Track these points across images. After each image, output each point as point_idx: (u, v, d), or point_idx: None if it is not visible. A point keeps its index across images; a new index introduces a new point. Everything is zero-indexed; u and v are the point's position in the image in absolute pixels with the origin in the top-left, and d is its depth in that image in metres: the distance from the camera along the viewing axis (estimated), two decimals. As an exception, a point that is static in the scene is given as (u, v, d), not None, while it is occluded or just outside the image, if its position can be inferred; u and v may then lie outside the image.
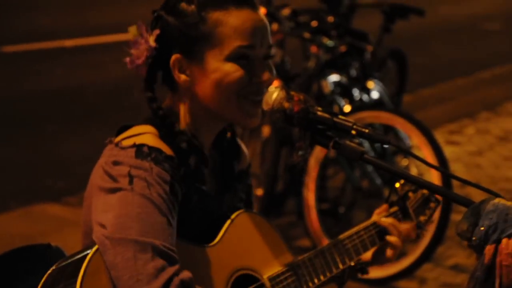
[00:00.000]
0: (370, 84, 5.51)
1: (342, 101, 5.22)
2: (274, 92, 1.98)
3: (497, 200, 1.81)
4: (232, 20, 1.98)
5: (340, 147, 1.94)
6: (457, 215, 5.34)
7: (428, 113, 7.73)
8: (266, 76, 2.01)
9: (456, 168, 6.57)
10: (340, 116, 1.95)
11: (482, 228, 1.80)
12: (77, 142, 6.97)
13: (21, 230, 5.03)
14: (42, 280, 1.89)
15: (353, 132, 1.93)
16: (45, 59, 9.85)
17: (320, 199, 4.99)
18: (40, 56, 10.00)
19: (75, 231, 5.03)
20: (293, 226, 5.20)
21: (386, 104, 5.52)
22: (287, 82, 5.07)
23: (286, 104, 1.96)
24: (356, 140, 1.98)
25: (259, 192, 5.07)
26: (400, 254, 4.74)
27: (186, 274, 1.79)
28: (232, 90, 1.99)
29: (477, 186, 1.97)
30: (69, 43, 10.67)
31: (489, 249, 1.79)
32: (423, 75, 9.56)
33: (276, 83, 2.08)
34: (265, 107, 1.99)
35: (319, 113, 1.96)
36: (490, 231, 1.79)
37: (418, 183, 1.99)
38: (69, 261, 1.89)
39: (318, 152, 4.89)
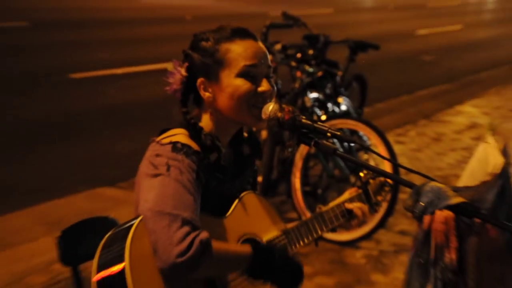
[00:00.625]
0: (340, 99, 5.51)
1: (319, 112, 5.22)
2: (270, 105, 1.99)
3: (432, 183, 1.82)
4: (238, 47, 1.99)
5: (319, 145, 1.94)
6: (403, 195, 5.39)
7: (381, 121, 7.73)
8: (267, 87, 2.01)
9: (402, 161, 6.59)
10: (319, 123, 1.96)
11: (422, 204, 1.80)
12: (126, 142, 6.97)
13: (87, 207, 5.03)
14: (102, 242, 1.89)
15: (328, 134, 1.93)
16: (102, 83, 9.81)
17: (303, 183, 4.99)
18: (98, 80, 9.97)
19: (125, 207, 5.11)
20: (284, 204, 5.20)
21: (351, 114, 5.52)
22: (279, 98, 5.10)
23: (279, 114, 1.97)
24: (330, 140, 1.99)
25: (259, 179, 5.07)
26: (361, 224, 4.81)
27: (204, 235, 1.79)
28: (242, 99, 1.99)
29: (418, 173, 1.98)
30: (119, 71, 10.63)
31: (427, 218, 1.80)
32: (377, 94, 9.52)
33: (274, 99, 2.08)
34: (263, 116, 1.99)
35: (303, 120, 1.96)
36: (427, 206, 1.80)
37: (376, 171, 2.00)
38: (121, 228, 1.89)
39: (302, 150, 4.90)
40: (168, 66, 2.06)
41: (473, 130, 8.20)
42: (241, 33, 2.02)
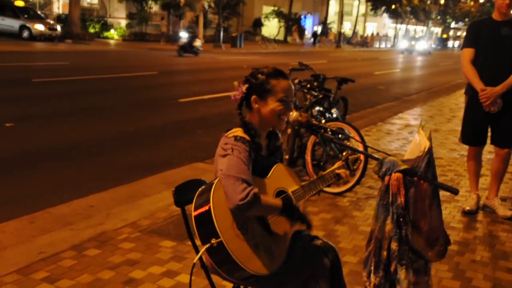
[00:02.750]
0: (333, 111, 5.43)
1: (321, 118, 5.15)
2: (294, 113, 1.99)
3: (389, 157, 1.77)
4: (281, 84, 1.95)
5: (323, 136, 1.92)
6: (370, 165, 5.29)
7: (356, 123, 7.59)
8: (292, 108, 1.99)
9: (369, 145, 6.45)
10: (322, 123, 1.92)
11: (383, 169, 1.76)
12: (210, 137, 6.98)
13: (189, 174, 5.03)
14: (197, 193, 1.89)
15: (328, 130, 1.90)
16: (196, 104, 9.80)
17: (312, 160, 4.94)
18: (194, 103, 9.96)
19: (209, 174, 5.06)
20: (301, 171, 5.11)
21: (339, 119, 5.45)
22: (297, 110, 5.03)
23: (299, 118, 1.98)
24: (329, 133, 1.94)
25: (286, 157, 5.02)
26: (346, 182, 4.71)
27: (255, 190, 1.77)
28: (277, 113, 1.96)
29: (379, 151, 1.93)
30: (206, 97, 10.60)
31: (387, 178, 1.76)
32: (353, 107, 9.36)
33: (293, 110, 2.04)
34: (290, 119, 1.96)
35: (314, 122, 1.96)
36: (387, 170, 1.75)
37: (354, 150, 1.95)
38: (208, 185, 1.88)
39: (311, 140, 4.83)
40: (235, 84, 2.02)
41: (408, 128, 8.00)
42: (282, 74, 1.99)
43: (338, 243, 3.57)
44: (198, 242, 1.97)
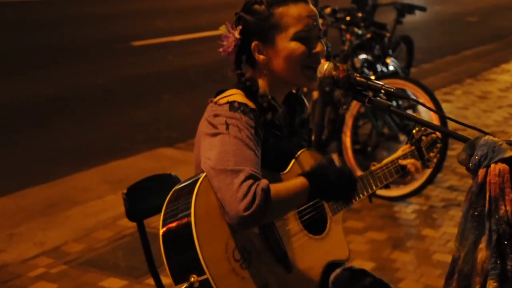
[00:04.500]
0: (388, 60, 5.43)
1: (368, 73, 5.15)
2: (325, 64, 1.93)
3: (486, 137, 1.75)
4: (292, 11, 1.95)
5: (373, 102, 1.88)
6: (451, 152, 5.29)
7: (427, 81, 7.58)
8: (320, 48, 1.97)
9: (450, 116, 6.46)
10: (373, 80, 1.90)
11: (476, 157, 1.74)
12: (184, 106, 7.00)
13: (149, 166, 5.07)
14: (168, 196, 1.88)
15: (382, 91, 1.87)
16: (160, 50, 9.86)
17: (353, 142, 4.96)
18: (157, 47, 10.03)
19: (183, 166, 5.13)
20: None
21: (399, 74, 5.44)
22: (329, 60, 5.03)
23: (334, 72, 1.91)
24: (384, 98, 1.93)
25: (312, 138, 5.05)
26: (412, 180, 4.75)
27: (264, 182, 1.76)
28: (297, 61, 1.95)
29: (472, 127, 1.91)
30: (177, 38, 10.67)
31: (481, 172, 1.73)
32: (424, 55, 9.39)
33: (323, 60, 2.03)
34: (318, 74, 1.94)
35: (357, 78, 1.90)
36: (482, 159, 1.73)
37: (430, 126, 1.93)
38: (186, 183, 1.88)
39: (352, 109, 4.85)
40: (221, 29, 2.01)
41: (519, 88, 8.00)
42: None
43: (397, 281, 3.59)
44: (167, 280, 1.96)
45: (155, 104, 7.13)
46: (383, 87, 1.86)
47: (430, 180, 4.66)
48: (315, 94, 5.07)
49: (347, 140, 4.86)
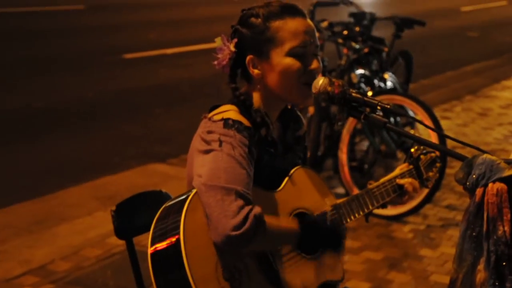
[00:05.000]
0: (386, 75, 5.44)
1: (366, 88, 5.17)
2: (320, 79, 1.94)
3: (484, 155, 1.76)
4: (289, 26, 1.95)
5: (369, 119, 1.89)
6: (450, 170, 5.30)
7: (427, 97, 7.60)
8: (316, 65, 1.98)
9: (448, 134, 6.49)
10: (369, 96, 1.91)
11: (474, 176, 1.75)
12: (176, 120, 7.00)
13: (139, 182, 5.07)
14: (157, 214, 1.89)
15: (378, 107, 1.88)
16: (152, 63, 9.88)
17: (350, 159, 4.97)
18: (149, 60, 10.05)
19: (176, 182, 5.13)
20: (331, 179, 5.16)
21: (398, 90, 5.46)
22: (325, 75, 5.05)
23: (329, 88, 1.92)
24: (379, 115, 1.94)
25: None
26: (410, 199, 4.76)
27: (257, 210, 1.77)
28: (292, 77, 1.95)
29: (469, 145, 1.92)
30: (169, 51, 10.69)
31: (479, 191, 1.74)
32: (423, 70, 9.42)
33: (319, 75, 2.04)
34: (313, 90, 1.95)
35: (353, 94, 1.91)
36: (479, 178, 1.74)
37: (428, 145, 1.94)
38: (176, 200, 1.89)
39: (349, 125, 4.86)
40: (217, 41, 2.01)
41: (519, 105, 8.03)
42: (290, 10, 1.98)
43: (394, 302, 3.60)
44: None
45: (146, 118, 7.13)
46: (379, 103, 1.87)
47: (428, 199, 4.66)
48: (311, 110, 5.09)
49: (344, 157, 4.87)
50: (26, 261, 3.85)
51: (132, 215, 2.17)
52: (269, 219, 1.82)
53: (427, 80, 9.33)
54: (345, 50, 5.28)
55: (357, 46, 5.26)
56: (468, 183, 1.77)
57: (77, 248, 4.05)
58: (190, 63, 9.77)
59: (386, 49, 5.48)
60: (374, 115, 1.90)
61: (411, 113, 5.15)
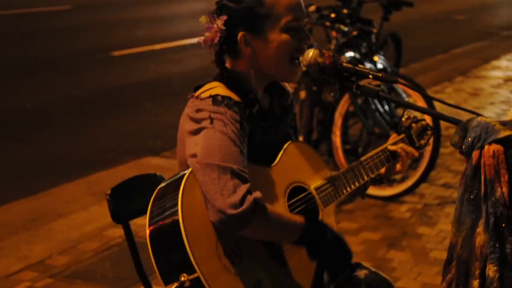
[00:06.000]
0: (376, 58, 5.42)
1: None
2: (310, 51, 1.93)
3: (479, 118, 1.75)
4: (283, 1, 1.92)
5: (361, 88, 1.88)
6: (444, 149, 5.30)
7: (417, 80, 7.53)
8: (308, 39, 1.97)
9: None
10: (360, 66, 1.90)
11: (469, 139, 1.74)
12: (168, 114, 6.98)
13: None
14: (153, 195, 1.88)
15: (370, 76, 1.87)
16: (141, 59, 9.85)
17: (344, 142, 4.97)
18: (138, 57, 10.02)
19: (170, 174, 5.04)
20: (326, 163, 5.10)
21: (388, 71, 5.45)
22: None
23: (320, 59, 1.91)
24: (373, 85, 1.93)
25: (300, 138, 5.06)
26: (403, 178, 4.78)
27: (257, 194, 1.75)
28: (286, 53, 1.94)
29: (463, 108, 1.92)
30: (158, 46, 10.67)
31: (475, 154, 1.73)
32: (412, 54, 9.43)
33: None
34: (304, 62, 1.93)
35: (344, 64, 1.91)
36: (475, 141, 1.73)
37: (420, 110, 1.93)
38: (171, 180, 1.88)
39: (341, 108, 4.86)
40: (202, 19, 1.96)
41: (510, 83, 8.04)
42: None
43: (394, 280, 3.54)
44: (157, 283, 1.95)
45: (138, 114, 7.11)
46: (370, 72, 1.86)
47: (423, 178, 4.68)
48: (303, 94, 5.07)
49: (337, 140, 4.87)
50: (24, 257, 3.83)
51: (128, 198, 2.15)
52: (271, 208, 1.81)
53: (417, 63, 9.35)
54: (333, 33, 5.25)
55: (346, 29, 5.24)
56: (464, 147, 1.76)
57: (75, 242, 4.03)
58: (179, 58, 9.74)
59: (375, 30, 5.46)
60: (367, 84, 1.89)
61: (403, 95, 5.16)
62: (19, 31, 11.93)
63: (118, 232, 3.99)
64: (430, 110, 1.90)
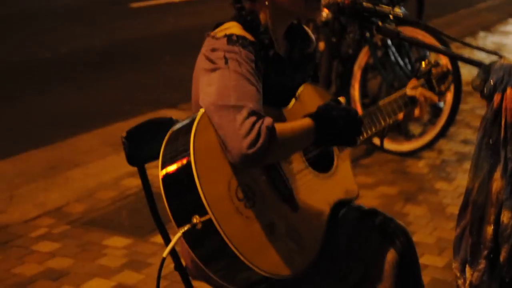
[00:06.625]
0: (397, 10, 5.32)
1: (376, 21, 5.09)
2: None
3: (502, 60, 1.72)
4: None
5: (381, 29, 1.85)
6: (465, 105, 5.24)
7: (440, 35, 7.52)
8: None
9: (464, 72, 6.39)
10: (380, 5, 1.85)
11: (491, 82, 1.71)
12: (186, 67, 6.86)
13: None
14: (166, 138, 1.87)
15: (391, 16, 1.83)
16: (159, 12, 9.83)
17: (362, 95, 4.93)
18: (157, 9, 10.00)
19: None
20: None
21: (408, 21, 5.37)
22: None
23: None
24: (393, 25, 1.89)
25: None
26: (422, 133, 4.74)
27: (268, 121, 1.73)
28: None
29: (485, 50, 1.87)
30: (176, -1, 10.62)
31: (497, 97, 1.70)
32: (434, 8, 9.27)
33: None
34: (323, 2, 1.89)
35: (364, 3, 1.86)
36: (497, 83, 1.70)
37: (441, 51, 1.89)
38: (184, 123, 1.87)
39: (360, 60, 4.81)
40: None
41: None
42: None
43: (410, 234, 3.59)
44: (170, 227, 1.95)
45: (156, 66, 7.10)
46: (391, 12, 1.81)
47: (442, 133, 4.64)
48: (321, 46, 5.02)
49: (356, 93, 4.83)
50: (42, 204, 3.88)
51: (143, 141, 2.13)
52: (280, 126, 1.79)
53: (440, 18, 9.20)
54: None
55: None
56: (485, 90, 1.73)
57: (91, 190, 4.07)
58: (198, 11, 9.68)
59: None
60: (387, 25, 1.85)
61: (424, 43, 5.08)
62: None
63: (135, 181, 4.01)
64: (449, 51, 1.86)
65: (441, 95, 2.25)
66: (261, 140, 1.70)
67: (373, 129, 2.10)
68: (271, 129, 1.73)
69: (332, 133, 1.88)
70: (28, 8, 9.77)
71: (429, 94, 2.18)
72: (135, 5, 10.06)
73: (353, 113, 1.92)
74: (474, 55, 6.94)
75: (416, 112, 2.18)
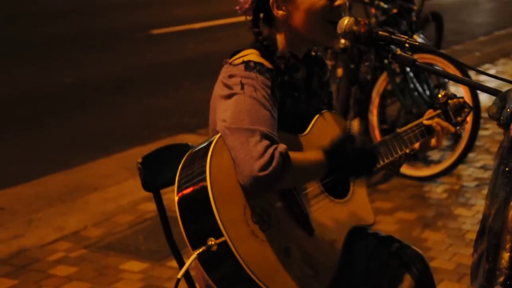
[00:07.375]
0: (416, 37, 5.33)
1: (395, 50, 5.09)
2: (345, 19, 1.90)
3: (518, 88, 1.71)
4: None
5: (397, 57, 1.85)
6: (484, 131, 5.22)
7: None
8: (341, 1, 1.94)
9: (483, 98, 6.37)
10: (396, 34, 1.86)
11: (508, 110, 1.70)
12: (205, 92, 6.90)
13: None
14: (182, 162, 1.88)
15: (407, 45, 1.84)
16: (180, 37, 9.91)
17: (381, 121, 4.93)
18: (177, 35, 10.09)
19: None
20: (362, 143, 5.13)
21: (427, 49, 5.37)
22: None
23: (355, 27, 1.88)
24: (409, 53, 1.89)
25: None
26: (441, 158, 4.72)
27: (282, 147, 1.75)
28: (318, 15, 1.92)
29: (502, 79, 1.87)
30: (196, 25, 10.70)
31: (514, 125, 1.70)
32: (454, 36, 9.29)
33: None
34: (339, 31, 1.90)
35: (380, 32, 1.87)
36: (514, 111, 1.70)
37: (456, 79, 1.90)
38: (200, 147, 1.88)
39: (379, 86, 4.81)
40: None
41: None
42: None
43: (429, 260, 3.49)
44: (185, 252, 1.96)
45: (175, 92, 7.16)
46: (407, 40, 1.82)
47: (461, 159, 4.62)
48: (340, 72, 5.03)
49: (374, 119, 4.83)
50: (60, 228, 3.90)
51: (159, 167, 2.15)
52: (294, 154, 1.79)
53: (459, 45, 9.21)
54: (372, 10, 5.19)
55: (385, 6, 5.16)
56: (502, 118, 1.72)
57: (109, 214, 4.09)
58: (217, 37, 9.75)
59: (415, 7, 5.37)
60: (403, 53, 1.86)
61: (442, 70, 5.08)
62: (58, 8, 12.07)
63: (152, 206, 4.02)
64: (467, 79, 1.86)
65: (458, 126, 2.25)
66: (274, 164, 1.71)
67: (389, 157, 2.10)
68: (284, 155, 1.73)
69: (344, 169, 1.88)
70: (49, 34, 9.90)
71: (445, 124, 2.18)
72: (156, 31, 10.16)
73: (367, 149, 1.94)
74: (493, 82, 6.93)
75: (433, 142, 2.19)
